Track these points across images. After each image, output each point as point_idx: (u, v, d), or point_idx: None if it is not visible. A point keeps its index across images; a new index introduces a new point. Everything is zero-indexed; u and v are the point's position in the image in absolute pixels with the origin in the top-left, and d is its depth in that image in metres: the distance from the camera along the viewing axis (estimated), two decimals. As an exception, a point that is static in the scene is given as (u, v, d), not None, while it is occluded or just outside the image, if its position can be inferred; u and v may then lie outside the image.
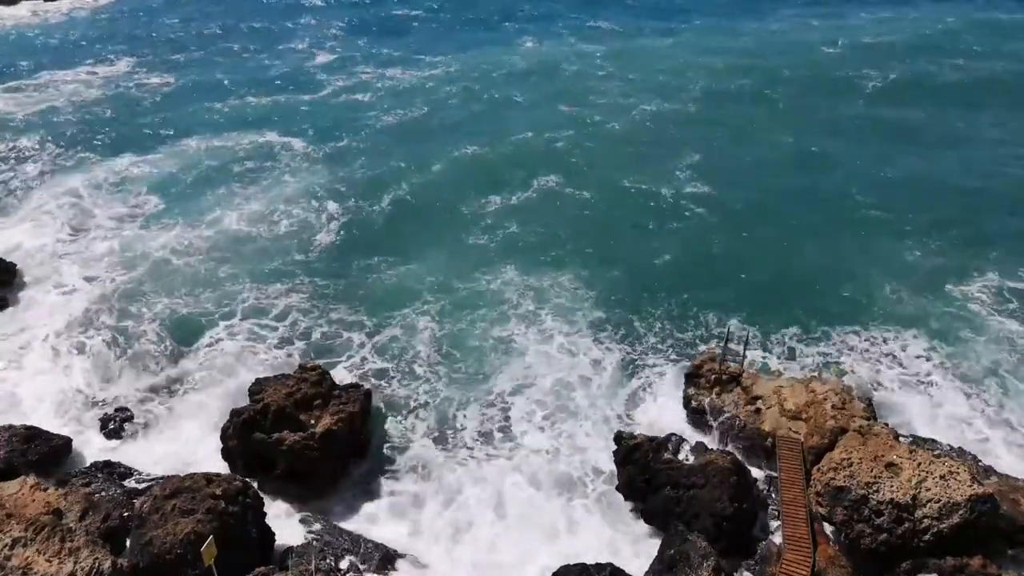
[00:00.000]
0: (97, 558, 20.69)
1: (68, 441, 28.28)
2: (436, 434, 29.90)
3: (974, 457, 27.33)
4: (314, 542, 24.46)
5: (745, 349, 31.85)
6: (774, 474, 26.47)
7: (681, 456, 27.78)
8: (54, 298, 38.03)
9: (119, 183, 49.93)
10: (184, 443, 29.27)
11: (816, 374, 30.98)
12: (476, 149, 54.54)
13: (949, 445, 28.01)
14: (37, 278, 39.59)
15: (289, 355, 33.80)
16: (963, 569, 22.18)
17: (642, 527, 25.70)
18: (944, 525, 22.72)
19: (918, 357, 33.60)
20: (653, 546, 24.37)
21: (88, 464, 27.34)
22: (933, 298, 37.31)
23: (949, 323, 35.55)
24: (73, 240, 43.40)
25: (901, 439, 26.72)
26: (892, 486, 23.44)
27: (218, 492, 23.00)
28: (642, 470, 26.00)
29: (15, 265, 39.14)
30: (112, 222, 45.46)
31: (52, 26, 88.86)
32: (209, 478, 23.72)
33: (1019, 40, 78.46)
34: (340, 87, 68.61)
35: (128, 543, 22.77)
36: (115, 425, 29.88)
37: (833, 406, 27.46)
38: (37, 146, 55.48)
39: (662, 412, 30.80)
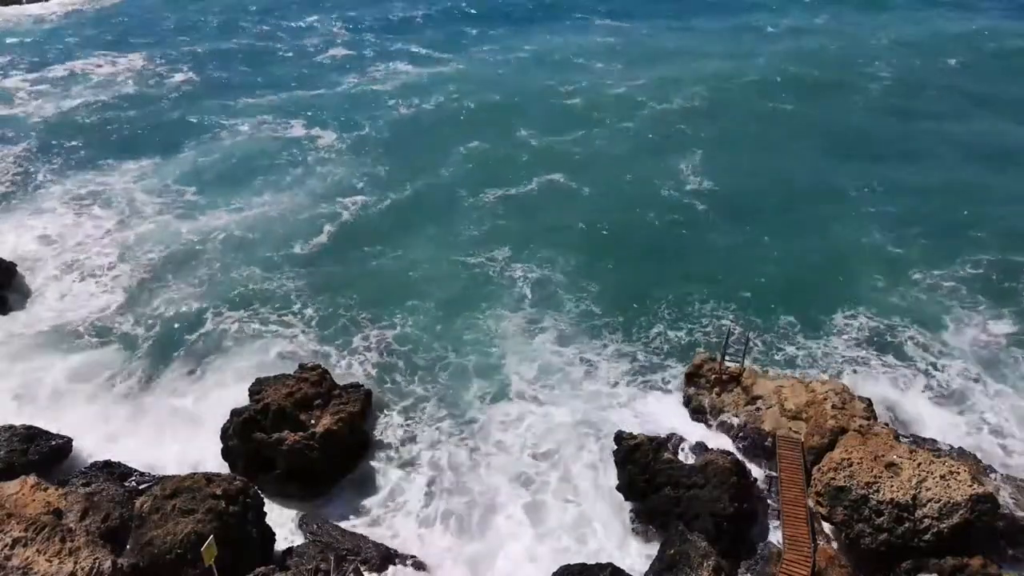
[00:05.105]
0: (97, 558, 20.66)
1: (68, 441, 28.19)
2: (436, 433, 29.83)
3: (974, 457, 27.33)
4: (314, 542, 24.44)
5: (745, 349, 31.85)
6: (774, 474, 26.49)
7: (681, 456, 27.84)
8: (65, 292, 38.07)
9: (145, 176, 50.13)
10: (184, 443, 29.18)
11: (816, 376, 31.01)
12: (482, 144, 54.65)
13: (949, 445, 28.01)
14: (51, 272, 39.53)
15: (291, 352, 33.85)
16: (963, 569, 22.17)
17: (642, 527, 25.68)
18: (944, 525, 22.73)
19: (918, 357, 33.63)
20: (653, 546, 24.40)
21: (88, 464, 27.27)
22: (932, 298, 37.36)
23: (948, 322, 35.59)
24: (93, 233, 43.33)
25: (901, 439, 26.74)
26: (892, 486, 23.45)
27: (218, 492, 22.99)
28: (642, 470, 25.98)
29: (15, 265, 39.08)
30: (136, 215, 45.49)
31: (55, 23, 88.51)
32: (209, 478, 23.70)
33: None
34: (352, 82, 68.93)
35: (128, 543, 22.75)
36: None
37: (833, 406, 27.47)
38: (58, 142, 55.12)
39: (662, 412, 30.78)
